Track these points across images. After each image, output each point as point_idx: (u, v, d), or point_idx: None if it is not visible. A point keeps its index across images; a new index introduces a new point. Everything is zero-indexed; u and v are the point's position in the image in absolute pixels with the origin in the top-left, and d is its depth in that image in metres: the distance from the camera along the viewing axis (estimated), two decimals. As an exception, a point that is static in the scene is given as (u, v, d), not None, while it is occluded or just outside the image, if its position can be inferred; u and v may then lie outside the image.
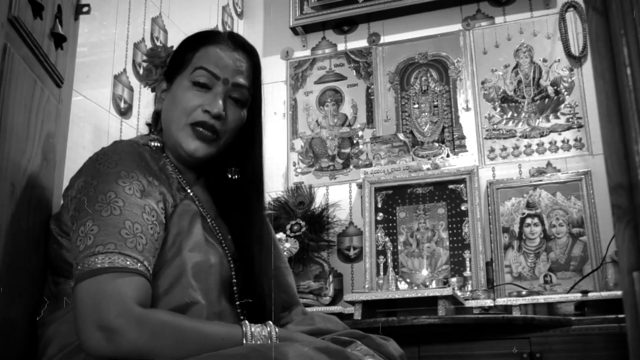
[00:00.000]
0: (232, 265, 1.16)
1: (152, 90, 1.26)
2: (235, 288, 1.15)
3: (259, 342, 0.97)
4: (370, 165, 2.67)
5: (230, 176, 1.23)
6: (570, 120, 2.50)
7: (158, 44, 2.23)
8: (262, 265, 1.20)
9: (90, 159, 1.08)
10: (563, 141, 2.49)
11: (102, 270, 0.92)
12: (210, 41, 1.20)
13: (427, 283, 2.37)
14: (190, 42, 1.23)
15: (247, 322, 1.00)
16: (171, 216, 1.08)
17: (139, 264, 0.95)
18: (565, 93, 2.54)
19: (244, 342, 0.96)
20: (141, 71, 1.30)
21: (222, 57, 1.17)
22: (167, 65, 1.24)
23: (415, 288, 2.30)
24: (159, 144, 1.19)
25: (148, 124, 1.28)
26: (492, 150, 2.57)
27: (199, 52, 1.18)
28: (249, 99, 1.22)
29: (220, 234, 1.18)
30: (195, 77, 1.16)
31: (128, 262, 0.94)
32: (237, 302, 1.15)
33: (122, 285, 0.92)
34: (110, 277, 0.92)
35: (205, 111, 1.14)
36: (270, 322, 1.02)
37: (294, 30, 2.95)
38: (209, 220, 1.17)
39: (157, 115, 1.23)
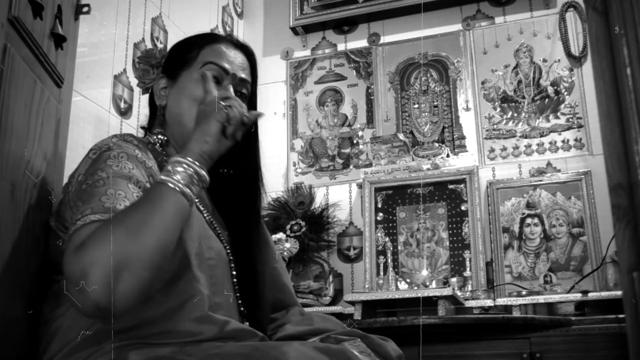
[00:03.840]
0: (230, 258, 1.17)
1: (144, 91, 1.29)
2: (235, 280, 1.17)
3: (181, 178, 0.97)
4: (370, 165, 2.67)
5: (224, 172, 1.26)
6: (570, 120, 2.50)
7: (158, 44, 2.23)
8: (258, 258, 1.22)
9: (86, 153, 1.10)
10: (563, 141, 2.49)
11: (74, 231, 0.91)
12: (214, 40, 1.27)
13: (427, 283, 2.37)
14: (193, 40, 1.28)
15: (167, 173, 0.98)
16: None
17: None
18: (565, 93, 2.54)
19: (168, 182, 0.95)
20: (136, 72, 1.32)
21: (228, 54, 1.24)
22: (165, 64, 1.28)
23: (415, 288, 2.30)
24: (163, 137, 1.22)
25: (143, 127, 1.30)
26: (492, 150, 2.57)
27: (205, 50, 1.24)
28: (249, 95, 1.28)
29: (217, 228, 1.20)
30: (205, 70, 1.20)
31: (98, 217, 0.92)
32: (238, 294, 1.16)
33: (81, 234, 0.90)
34: (79, 232, 0.90)
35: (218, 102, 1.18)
36: (187, 158, 1.01)
37: (294, 30, 2.95)
38: (205, 215, 1.19)
39: (155, 111, 1.26)
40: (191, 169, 0.99)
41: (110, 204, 0.94)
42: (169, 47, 1.34)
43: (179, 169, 0.98)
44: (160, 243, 0.90)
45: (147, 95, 1.32)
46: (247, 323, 1.15)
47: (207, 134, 1.05)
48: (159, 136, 1.22)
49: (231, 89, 1.20)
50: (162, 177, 0.97)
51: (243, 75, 1.24)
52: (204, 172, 1.01)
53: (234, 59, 1.24)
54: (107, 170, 1.01)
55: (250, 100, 1.28)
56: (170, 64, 1.27)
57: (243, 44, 1.31)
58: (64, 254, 0.91)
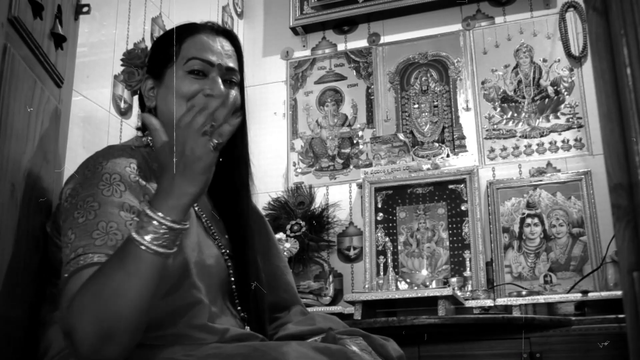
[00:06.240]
0: (229, 264, 1.16)
1: (133, 94, 1.27)
2: (233, 287, 1.16)
3: (153, 238, 0.87)
4: (370, 165, 2.67)
5: (220, 159, 1.24)
6: (570, 120, 2.50)
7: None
8: (256, 262, 1.21)
9: (82, 163, 1.08)
10: (563, 141, 2.49)
11: (68, 278, 0.91)
12: (194, 31, 1.22)
13: (427, 283, 2.37)
14: (173, 35, 1.23)
15: (132, 232, 0.89)
16: None
17: (106, 257, 0.92)
18: (565, 93, 2.54)
19: (140, 245, 0.86)
20: (121, 76, 1.29)
21: (210, 44, 1.20)
22: (149, 63, 1.24)
23: (415, 288, 2.30)
24: (149, 140, 1.18)
25: (138, 128, 1.28)
26: (492, 150, 2.57)
27: (186, 43, 1.20)
28: (239, 80, 1.25)
29: (215, 233, 1.19)
30: (190, 66, 1.18)
31: (95, 259, 0.91)
32: (237, 300, 1.16)
33: (75, 283, 0.89)
34: (72, 281, 0.90)
35: (207, 95, 1.16)
36: (153, 213, 0.89)
37: (294, 30, 2.95)
38: (204, 219, 1.18)
39: (148, 112, 1.23)
40: (164, 227, 0.87)
41: (101, 241, 0.93)
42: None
43: (150, 227, 0.87)
44: (135, 309, 0.86)
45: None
46: (248, 327, 1.14)
47: (192, 178, 0.89)
48: (149, 139, 1.17)
49: (219, 81, 1.18)
50: (133, 234, 0.87)
51: (230, 64, 1.21)
52: (179, 226, 0.88)
53: (219, 48, 1.20)
54: (97, 195, 0.98)
55: (240, 87, 1.26)
56: (154, 63, 1.23)
57: (225, 29, 1.27)
58: (62, 299, 0.90)
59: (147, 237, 0.86)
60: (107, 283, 0.85)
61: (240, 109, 1.26)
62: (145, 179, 1.06)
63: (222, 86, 1.18)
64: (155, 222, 0.87)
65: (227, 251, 1.18)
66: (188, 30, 1.22)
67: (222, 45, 1.22)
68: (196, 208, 1.17)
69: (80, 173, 1.05)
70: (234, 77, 1.22)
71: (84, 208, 0.97)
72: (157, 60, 1.23)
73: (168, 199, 0.89)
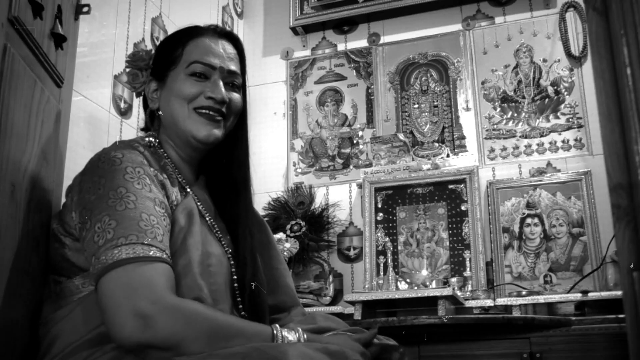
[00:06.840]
0: (231, 263, 1.17)
1: (137, 95, 1.28)
2: (236, 285, 1.16)
3: (290, 337, 1.00)
4: (370, 165, 2.67)
5: (223, 161, 1.27)
6: (570, 120, 2.50)
7: (158, 44, 2.23)
8: (254, 258, 1.22)
9: (92, 159, 1.09)
10: (563, 141, 2.49)
11: (128, 261, 0.94)
12: (197, 34, 1.24)
13: (427, 283, 2.37)
14: (176, 38, 1.25)
15: (277, 325, 1.02)
16: (173, 214, 1.09)
17: (161, 252, 0.98)
18: (565, 93, 2.54)
19: (278, 336, 0.99)
20: (125, 77, 1.30)
21: (213, 47, 1.22)
22: (153, 66, 1.26)
23: (415, 288, 2.30)
24: (155, 140, 1.20)
25: (142, 129, 1.29)
26: (492, 150, 2.57)
27: (189, 47, 1.21)
28: (241, 83, 1.26)
29: (218, 232, 1.19)
30: (192, 69, 1.19)
31: (152, 252, 0.96)
32: (239, 299, 1.16)
33: (150, 273, 0.94)
34: (137, 267, 0.94)
35: (208, 97, 1.18)
36: (299, 329, 1.03)
37: (294, 30, 2.95)
38: (207, 219, 1.19)
39: (151, 115, 1.25)
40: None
41: (151, 234, 0.98)
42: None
43: (290, 335, 1.00)
44: None
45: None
46: None
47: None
48: (150, 139, 1.20)
49: (220, 84, 1.19)
50: (278, 333, 0.99)
51: (232, 67, 1.22)
52: None
53: (221, 52, 1.22)
54: (130, 187, 1.01)
55: (242, 90, 1.27)
56: (157, 65, 1.25)
57: (228, 32, 1.28)
58: (98, 267, 0.95)
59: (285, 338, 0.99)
60: (230, 332, 0.95)
61: (243, 111, 1.27)
62: (158, 175, 1.10)
63: (223, 89, 1.19)
64: (296, 336, 1.00)
65: (230, 250, 1.19)
66: (191, 34, 1.24)
67: (224, 48, 1.23)
68: (200, 207, 1.18)
69: (94, 167, 1.06)
70: (236, 80, 1.24)
71: (119, 198, 0.99)
72: (160, 63, 1.24)
73: (320, 339, 1.01)
